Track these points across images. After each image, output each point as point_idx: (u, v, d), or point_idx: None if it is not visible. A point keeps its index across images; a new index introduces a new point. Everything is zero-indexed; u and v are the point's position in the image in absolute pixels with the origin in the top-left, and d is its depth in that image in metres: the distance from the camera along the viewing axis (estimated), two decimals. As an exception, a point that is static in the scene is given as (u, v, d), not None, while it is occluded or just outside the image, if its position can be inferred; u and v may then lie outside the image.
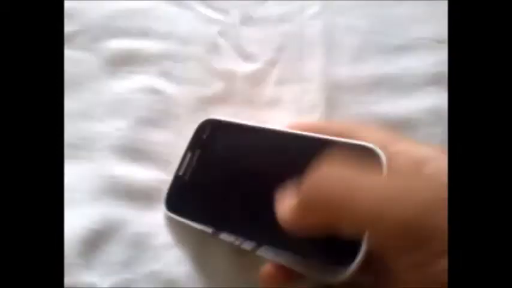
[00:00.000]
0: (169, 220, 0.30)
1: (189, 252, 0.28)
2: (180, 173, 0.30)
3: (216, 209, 0.28)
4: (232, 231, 0.27)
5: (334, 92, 0.34)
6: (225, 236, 0.27)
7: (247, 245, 0.26)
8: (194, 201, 0.29)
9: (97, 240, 0.28)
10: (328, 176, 0.21)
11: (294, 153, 0.28)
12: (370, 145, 0.25)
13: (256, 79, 0.36)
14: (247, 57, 0.37)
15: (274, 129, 0.29)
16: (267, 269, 0.24)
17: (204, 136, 0.31)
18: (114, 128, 0.33)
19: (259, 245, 0.26)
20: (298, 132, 0.28)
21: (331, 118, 0.33)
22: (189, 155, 0.31)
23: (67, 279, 0.26)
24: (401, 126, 0.33)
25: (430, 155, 0.24)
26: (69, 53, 0.36)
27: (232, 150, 0.30)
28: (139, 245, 0.29)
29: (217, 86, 0.35)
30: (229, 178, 0.29)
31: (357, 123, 0.28)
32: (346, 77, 0.35)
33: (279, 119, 0.34)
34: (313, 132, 0.28)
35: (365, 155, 0.25)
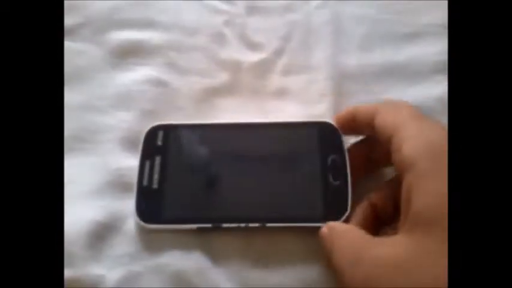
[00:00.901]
0: (152, 232, 0.28)
1: (194, 243, 0.28)
2: (145, 184, 0.29)
3: (209, 205, 0.29)
4: (233, 219, 0.28)
5: (342, 81, 0.34)
6: (227, 225, 0.28)
7: (253, 224, 0.28)
8: (178, 205, 0.28)
9: (103, 232, 0.28)
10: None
11: (258, 137, 0.31)
12: (326, 120, 0.30)
13: (262, 69, 0.35)
14: (253, 47, 0.36)
15: (227, 123, 0.31)
16: None
17: (159, 142, 0.30)
18: (119, 120, 0.33)
19: (265, 220, 0.28)
20: (249, 121, 0.31)
21: (339, 108, 0.32)
22: (147, 164, 0.30)
23: (75, 271, 0.26)
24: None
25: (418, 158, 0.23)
26: (73, 46, 0.35)
27: (199, 148, 0.30)
28: (145, 237, 0.28)
29: (222, 77, 0.35)
30: (211, 173, 0.29)
31: (383, 103, 0.28)
32: (354, 66, 0.35)
33: (286, 109, 0.33)
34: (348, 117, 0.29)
35: (327, 129, 0.30)
